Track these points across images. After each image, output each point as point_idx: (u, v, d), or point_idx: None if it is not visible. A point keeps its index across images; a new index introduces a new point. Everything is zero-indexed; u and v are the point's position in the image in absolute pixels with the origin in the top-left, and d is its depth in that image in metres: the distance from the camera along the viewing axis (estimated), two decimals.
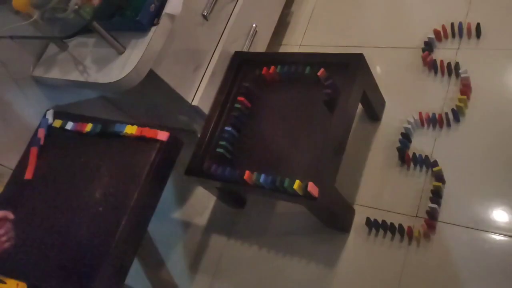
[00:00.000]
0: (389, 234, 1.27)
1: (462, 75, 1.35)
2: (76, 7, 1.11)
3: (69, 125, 1.35)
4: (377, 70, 1.55)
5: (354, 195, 1.38)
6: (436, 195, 1.25)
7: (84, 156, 1.30)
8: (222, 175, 1.26)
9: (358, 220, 1.33)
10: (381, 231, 1.29)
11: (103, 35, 1.17)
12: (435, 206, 1.22)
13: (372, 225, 1.29)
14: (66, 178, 1.29)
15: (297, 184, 1.13)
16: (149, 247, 1.57)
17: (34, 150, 1.35)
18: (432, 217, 1.23)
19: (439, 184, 1.25)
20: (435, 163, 1.28)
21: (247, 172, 1.21)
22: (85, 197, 1.22)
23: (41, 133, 1.37)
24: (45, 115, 1.41)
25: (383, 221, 1.27)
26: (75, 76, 1.30)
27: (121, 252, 1.14)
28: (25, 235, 1.22)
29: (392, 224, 1.26)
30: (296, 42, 1.81)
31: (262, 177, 1.19)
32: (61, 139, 1.37)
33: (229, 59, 1.50)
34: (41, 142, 1.36)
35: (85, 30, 1.15)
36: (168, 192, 1.67)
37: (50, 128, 1.39)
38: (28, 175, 1.32)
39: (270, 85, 1.40)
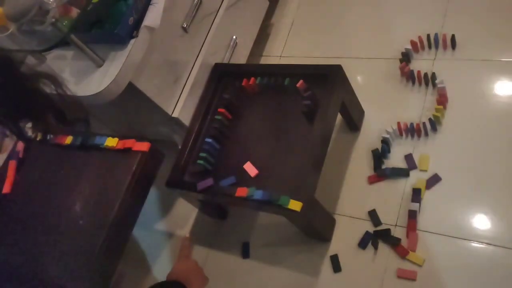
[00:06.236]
0: (369, 243, 1.29)
1: (438, 85, 1.38)
2: (54, 19, 1.10)
3: (49, 138, 1.34)
4: (356, 81, 1.57)
5: (334, 205, 1.38)
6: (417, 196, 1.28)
7: (64, 169, 1.30)
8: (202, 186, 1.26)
9: (339, 229, 1.34)
10: (362, 240, 1.29)
11: (81, 48, 1.17)
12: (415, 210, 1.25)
13: (353, 234, 1.30)
14: (45, 191, 1.28)
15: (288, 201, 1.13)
16: (132, 259, 1.56)
17: (12, 164, 1.34)
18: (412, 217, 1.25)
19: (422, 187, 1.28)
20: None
21: (238, 189, 1.20)
22: (65, 210, 1.21)
23: (20, 146, 1.36)
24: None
25: (367, 231, 1.29)
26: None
27: (102, 266, 1.13)
28: (1, 251, 1.21)
29: (374, 232, 1.28)
30: (277, 54, 1.83)
31: (255, 192, 1.17)
32: (41, 152, 1.36)
33: (209, 71, 1.50)
34: (20, 155, 1.35)
35: (64, 42, 1.15)
36: (151, 203, 1.66)
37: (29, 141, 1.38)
38: (6, 188, 1.30)
39: (250, 96, 1.40)
